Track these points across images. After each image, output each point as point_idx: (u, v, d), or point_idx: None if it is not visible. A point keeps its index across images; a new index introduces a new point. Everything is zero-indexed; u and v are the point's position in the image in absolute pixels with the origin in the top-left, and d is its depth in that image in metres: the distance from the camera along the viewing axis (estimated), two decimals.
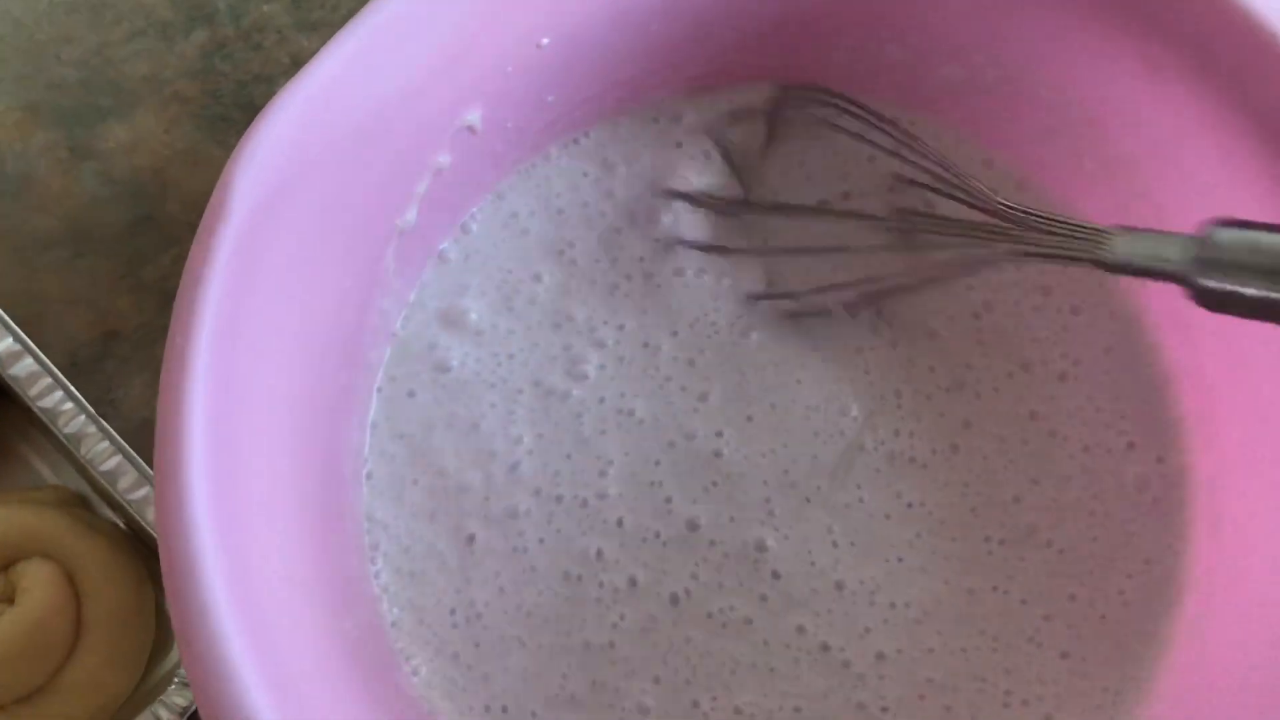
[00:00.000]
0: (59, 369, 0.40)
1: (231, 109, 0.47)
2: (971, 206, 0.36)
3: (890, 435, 0.38)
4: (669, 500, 0.37)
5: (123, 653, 0.39)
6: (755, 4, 0.39)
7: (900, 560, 0.37)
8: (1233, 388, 0.37)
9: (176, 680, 0.38)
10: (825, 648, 0.36)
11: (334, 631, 0.33)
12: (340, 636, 0.34)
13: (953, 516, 0.37)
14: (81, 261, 0.45)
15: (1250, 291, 0.30)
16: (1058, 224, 0.34)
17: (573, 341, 0.39)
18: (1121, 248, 0.32)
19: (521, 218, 0.40)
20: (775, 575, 0.37)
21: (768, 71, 0.42)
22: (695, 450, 0.38)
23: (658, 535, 0.37)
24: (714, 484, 0.37)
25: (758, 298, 0.39)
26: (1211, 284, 0.30)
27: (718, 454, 0.38)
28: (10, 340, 0.40)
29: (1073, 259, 0.33)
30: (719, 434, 0.38)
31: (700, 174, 0.40)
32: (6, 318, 0.40)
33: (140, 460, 0.39)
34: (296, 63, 0.47)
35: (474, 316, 0.39)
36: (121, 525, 0.42)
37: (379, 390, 0.38)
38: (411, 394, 0.38)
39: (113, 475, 0.39)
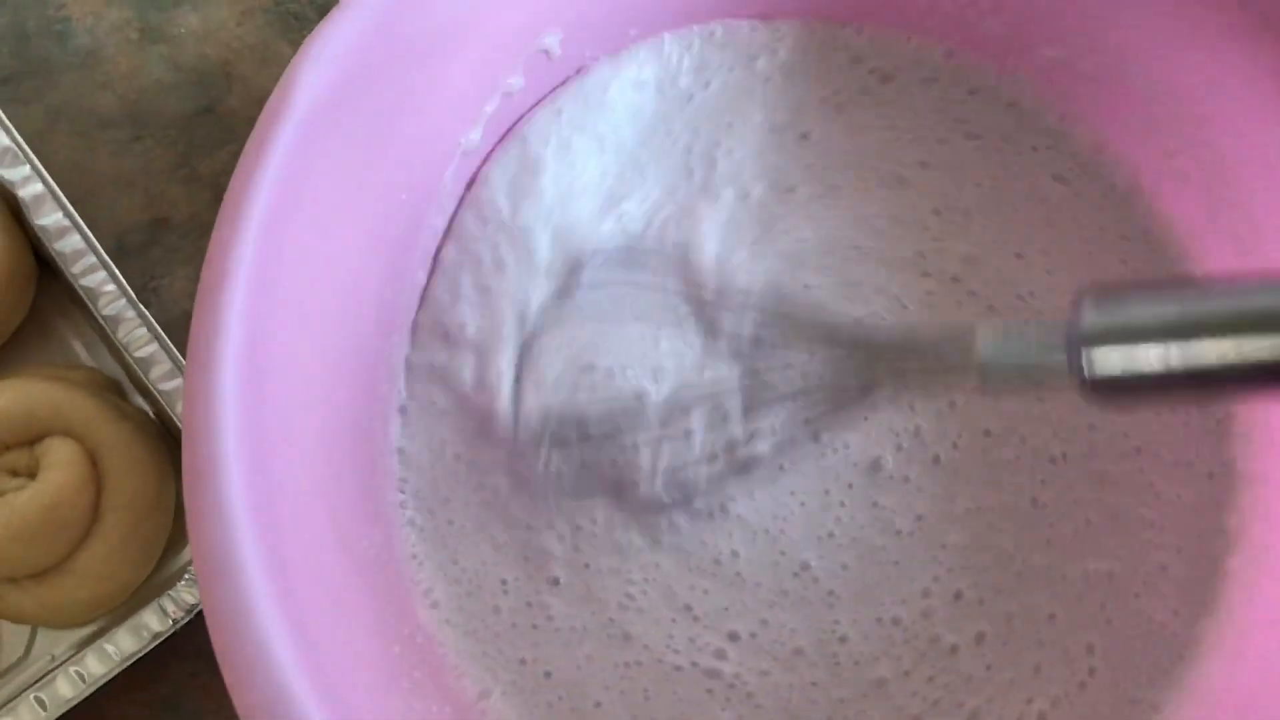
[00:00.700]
0: (105, 250, 0.40)
1: (306, 7, 0.46)
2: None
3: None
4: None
5: (138, 542, 0.39)
6: None
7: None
8: None
9: (187, 577, 0.38)
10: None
11: (349, 547, 0.33)
12: (354, 554, 0.33)
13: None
14: (138, 145, 0.45)
15: (1150, 359, 0.26)
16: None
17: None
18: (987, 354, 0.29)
19: (580, 145, 0.39)
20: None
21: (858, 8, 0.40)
22: None
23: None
24: None
25: None
26: (1102, 368, 0.27)
27: None
28: (60, 215, 0.39)
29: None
30: None
31: None
32: (59, 192, 0.39)
33: (176, 351, 0.39)
34: None
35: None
36: (151, 415, 0.41)
37: (421, 310, 0.37)
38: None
39: (146, 363, 0.38)
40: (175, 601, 0.37)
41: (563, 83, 0.39)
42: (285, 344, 0.31)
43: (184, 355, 0.39)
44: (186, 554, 0.41)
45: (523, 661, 0.35)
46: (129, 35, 0.45)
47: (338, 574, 0.32)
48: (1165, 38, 0.36)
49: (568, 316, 0.37)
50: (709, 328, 0.37)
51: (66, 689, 0.36)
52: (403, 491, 0.36)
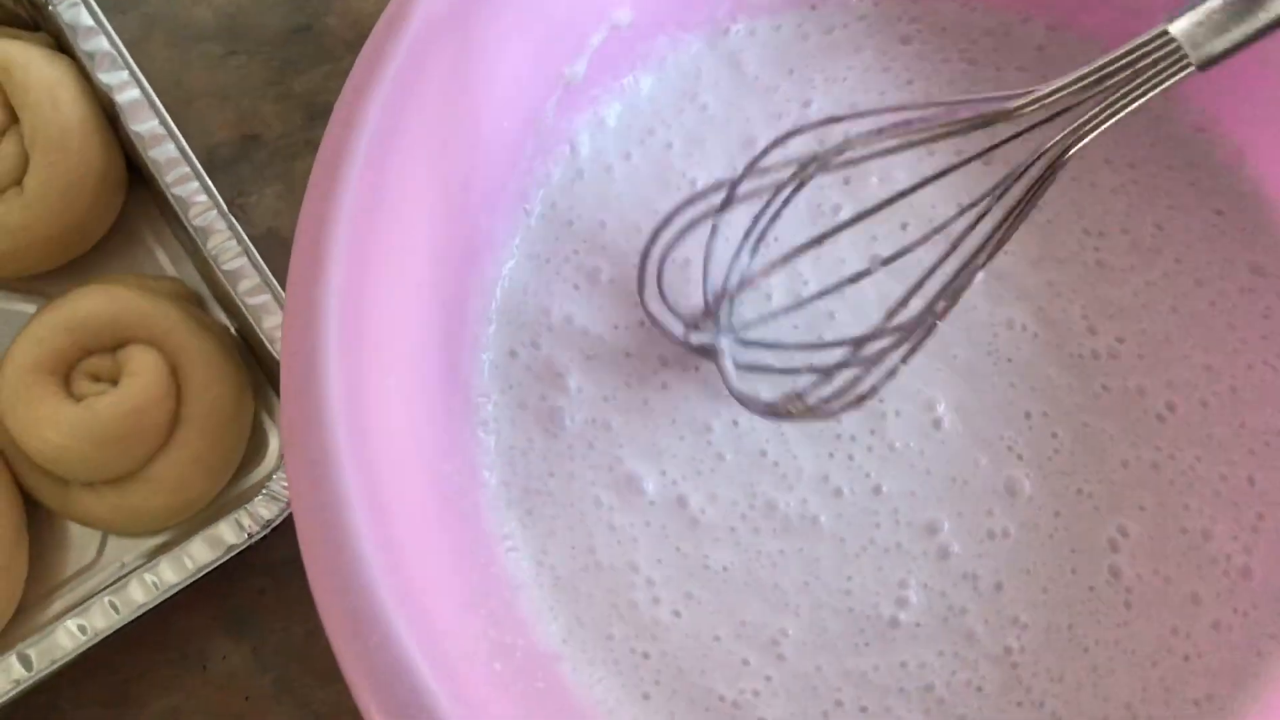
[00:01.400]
0: None
1: None
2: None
3: None
4: None
5: (214, 455, 0.38)
6: None
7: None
8: None
9: (264, 493, 0.38)
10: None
11: (433, 470, 0.33)
12: (437, 478, 0.33)
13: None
14: (233, 60, 0.44)
15: None
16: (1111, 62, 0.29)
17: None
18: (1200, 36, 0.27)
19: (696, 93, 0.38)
20: None
21: None
22: None
23: None
24: None
25: None
26: None
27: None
28: (155, 123, 0.39)
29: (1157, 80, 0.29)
30: None
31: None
32: (156, 100, 0.39)
33: (264, 266, 0.38)
34: None
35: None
36: (233, 330, 0.41)
37: (516, 247, 0.37)
38: (547, 260, 0.37)
39: (235, 276, 0.38)
40: (252, 516, 0.37)
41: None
42: (386, 265, 0.30)
43: (272, 272, 0.39)
44: (260, 471, 0.41)
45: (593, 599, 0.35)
46: None
47: (422, 496, 0.31)
48: None
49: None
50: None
51: (139, 594, 0.36)
52: (484, 427, 0.36)
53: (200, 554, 0.37)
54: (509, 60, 0.33)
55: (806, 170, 0.32)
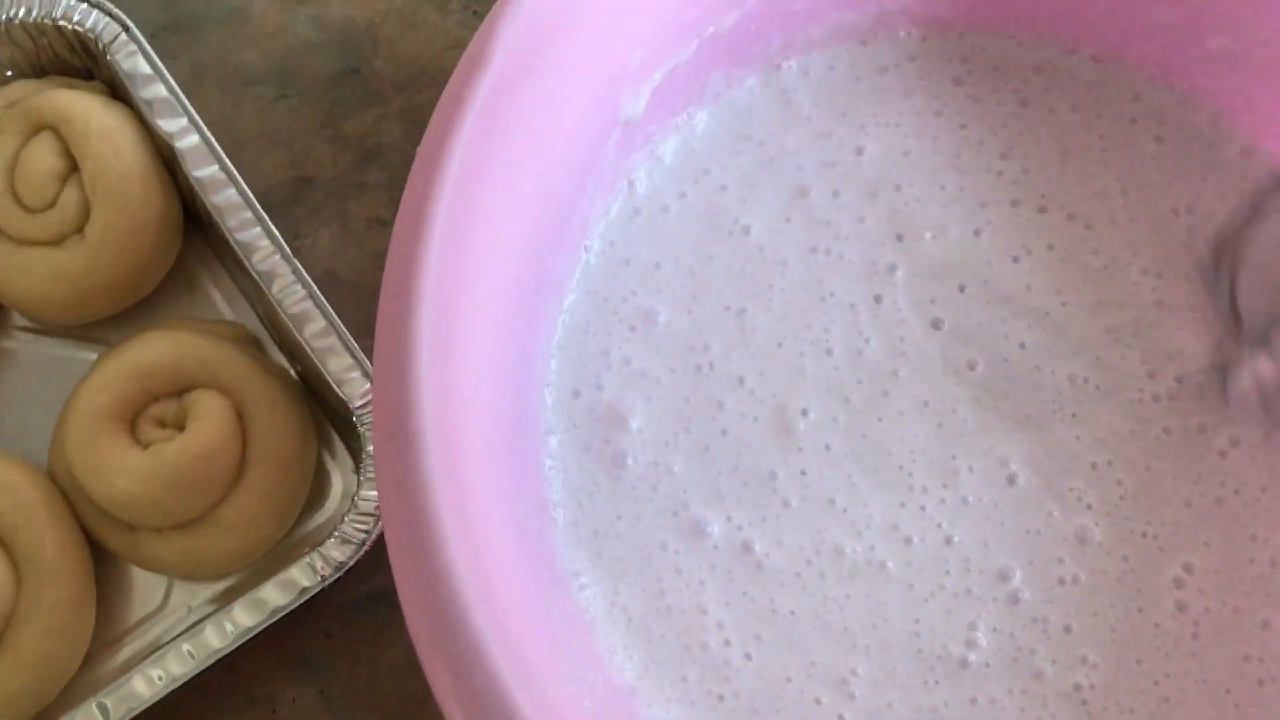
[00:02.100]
0: None
1: None
2: None
3: None
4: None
5: (281, 497, 0.39)
6: None
7: None
8: None
9: (336, 534, 0.38)
10: None
11: (512, 512, 0.33)
12: (516, 518, 0.33)
13: None
14: (284, 103, 0.45)
15: None
16: None
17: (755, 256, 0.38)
18: None
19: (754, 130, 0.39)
20: None
21: (1011, 16, 0.39)
22: None
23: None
24: None
25: None
26: None
27: None
28: (216, 168, 0.39)
29: None
30: None
31: None
32: (216, 145, 0.39)
33: (329, 308, 0.39)
34: None
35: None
36: (293, 373, 0.41)
37: (577, 283, 0.37)
38: (605, 300, 0.37)
39: (300, 319, 0.38)
40: (324, 558, 0.37)
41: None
42: (470, 302, 0.30)
43: (336, 313, 0.39)
44: (325, 512, 0.41)
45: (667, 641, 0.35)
46: None
47: (505, 539, 0.32)
48: None
49: None
50: None
51: (215, 639, 0.36)
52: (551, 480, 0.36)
53: (274, 597, 0.37)
54: (577, 101, 0.34)
55: None
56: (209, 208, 0.39)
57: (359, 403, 0.38)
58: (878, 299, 0.37)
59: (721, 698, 0.34)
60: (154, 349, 0.38)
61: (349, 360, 0.38)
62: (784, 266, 0.37)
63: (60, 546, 0.37)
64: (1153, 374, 0.36)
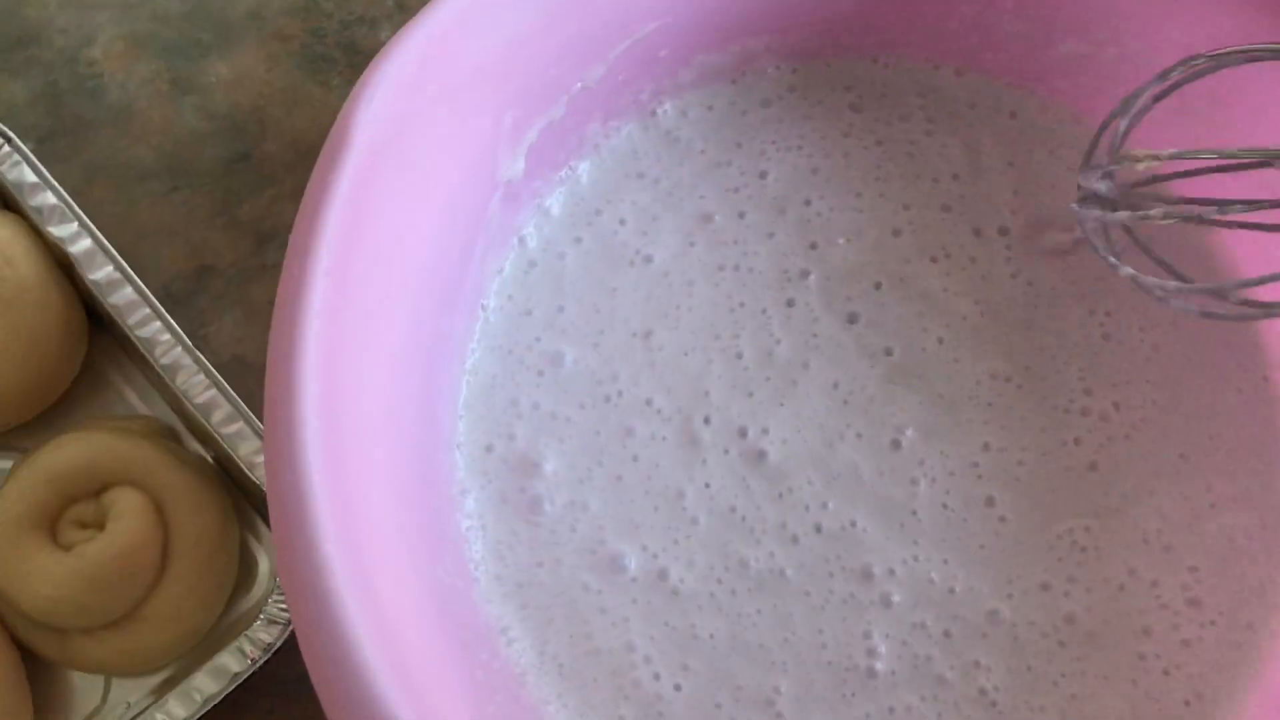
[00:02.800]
0: None
1: (333, 49, 0.47)
2: None
3: None
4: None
5: (207, 585, 0.39)
6: None
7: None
8: None
9: (262, 617, 0.38)
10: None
11: (428, 579, 0.33)
12: (429, 579, 0.34)
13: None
14: (178, 195, 0.45)
15: None
16: None
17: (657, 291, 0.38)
18: None
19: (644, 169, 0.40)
20: None
21: (870, 42, 0.41)
22: None
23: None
24: None
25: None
26: None
27: None
28: (111, 268, 0.40)
29: None
30: None
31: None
32: (110, 246, 0.40)
33: (234, 394, 0.39)
34: (401, 6, 0.47)
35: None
36: (209, 460, 0.42)
37: (477, 342, 0.38)
38: (509, 351, 0.38)
39: (206, 408, 0.39)
40: (253, 642, 0.38)
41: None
42: (355, 379, 0.31)
43: (242, 399, 0.39)
44: (254, 595, 0.41)
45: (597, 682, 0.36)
46: (160, 87, 0.46)
47: (420, 604, 0.32)
48: (1182, 31, 0.37)
49: None
50: None
51: None
52: (469, 535, 0.37)
53: (207, 686, 0.37)
54: (450, 169, 0.35)
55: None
56: (108, 308, 0.39)
57: None
58: (790, 303, 0.38)
59: None
60: (67, 453, 0.39)
61: (258, 443, 0.39)
62: (690, 287, 0.38)
63: None
64: (1089, 391, 0.37)
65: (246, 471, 0.39)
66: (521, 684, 0.35)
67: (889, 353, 0.37)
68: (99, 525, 0.38)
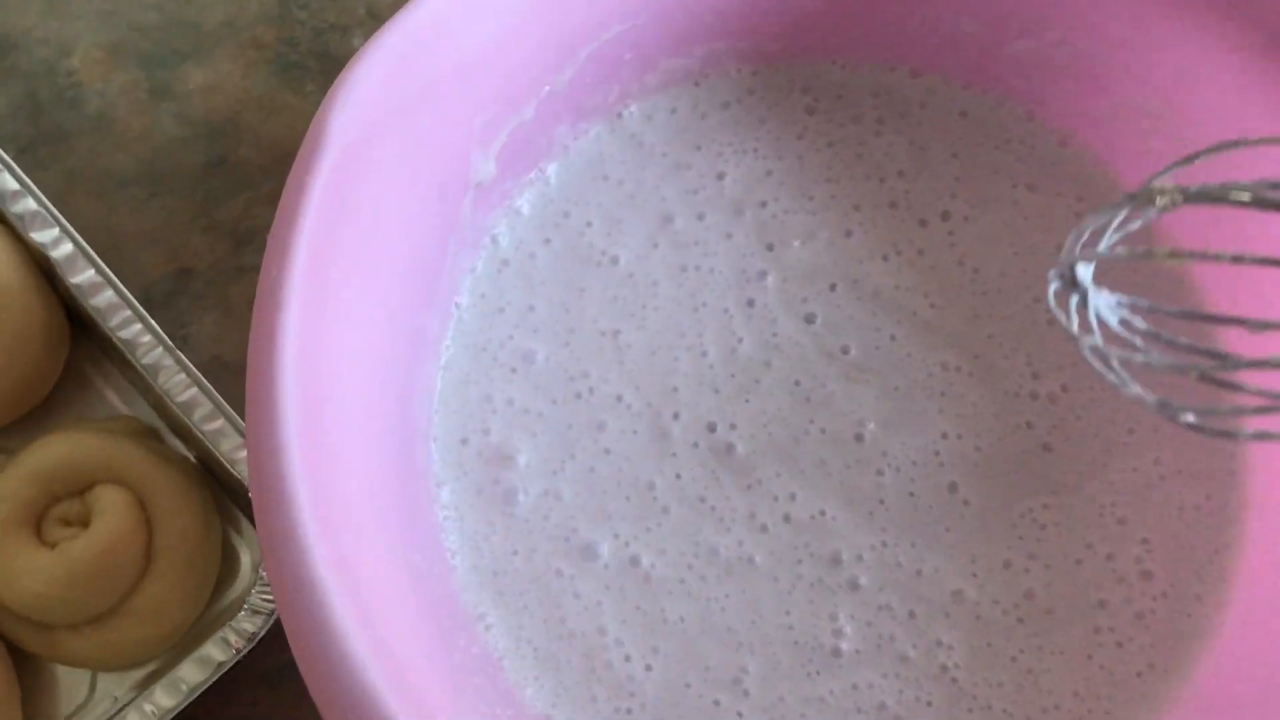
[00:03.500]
0: None
1: (307, 57, 0.48)
2: None
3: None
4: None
5: (190, 580, 0.40)
6: None
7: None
8: None
9: (246, 607, 0.39)
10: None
11: (407, 568, 0.34)
12: (409, 565, 0.35)
13: None
14: (157, 200, 0.46)
15: None
16: None
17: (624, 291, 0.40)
18: None
19: (609, 171, 0.41)
20: None
21: (831, 45, 0.42)
22: None
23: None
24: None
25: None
26: None
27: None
28: (92, 272, 0.41)
29: None
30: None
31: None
32: (90, 250, 0.41)
33: (215, 393, 0.40)
34: (373, 14, 0.48)
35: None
36: (191, 458, 0.43)
37: (451, 339, 0.39)
38: (483, 349, 0.39)
39: (188, 407, 0.40)
40: (237, 632, 0.39)
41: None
42: (334, 376, 0.32)
43: (223, 397, 0.40)
44: (237, 588, 0.42)
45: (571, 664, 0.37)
46: (138, 96, 0.47)
47: (400, 592, 0.33)
48: (1133, 31, 0.38)
49: None
50: None
51: None
52: (445, 532, 0.38)
53: (192, 676, 0.38)
54: (423, 171, 0.36)
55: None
56: (89, 311, 0.40)
57: None
58: (750, 303, 0.39)
59: (630, 711, 0.36)
60: (52, 453, 0.40)
61: (239, 440, 0.40)
62: (655, 287, 0.39)
63: None
64: (1037, 375, 0.38)
65: (228, 468, 0.39)
66: (499, 668, 0.36)
67: (845, 351, 0.39)
68: (83, 523, 0.39)
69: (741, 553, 0.37)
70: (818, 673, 0.36)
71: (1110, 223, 0.32)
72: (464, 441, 0.38)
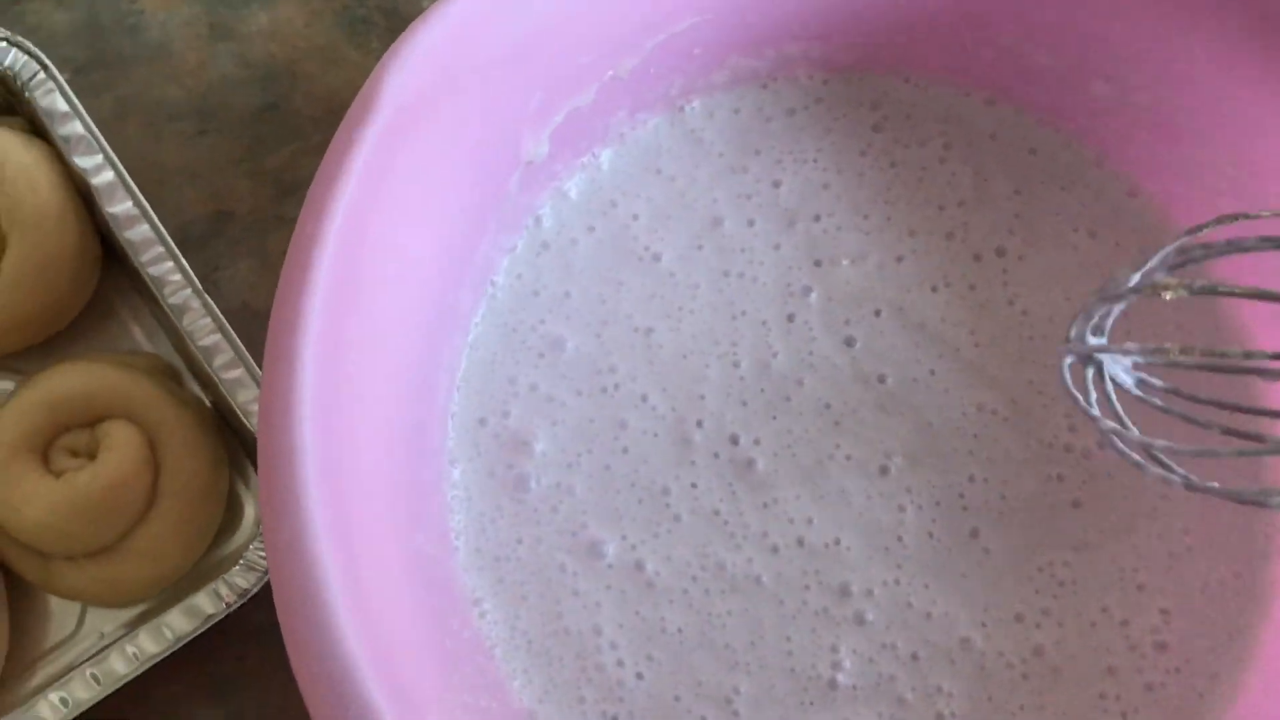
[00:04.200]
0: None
1: (374, 12, 0.47)
2: None
3: None
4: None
5: (191, 526, 0.39)
6: None
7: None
8: None
9: (241, 562, 0.38)
10: None
11: (408, 543, 0.34)
12: (409, 549, 0.34)
13: None
14: (204, 139, 0.46)
15: None
16: None
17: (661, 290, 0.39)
18: None
19: (663, 166, 0.40)
20: None
21: (905, 61, 0.41)
22: None
23: None
24: None
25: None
26: None
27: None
28: (130, 204, 0.40)
29: None
30: None
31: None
32: (130, 181, 0.40)
33: (239, 341, 0.40)
34: None
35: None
36: (208, 403, 0.42)
37: (482, 317, 0.38)
38: (513, 330, 0.38)
39: (210, 352, 0.39)
40: (229, 586, 0.38)
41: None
42: (358, 342, 0.31)
43: (246, 346, 0.40)
44: (235, 541, 0.42)
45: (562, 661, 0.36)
46: (199, 31, 0.47)
47: (396, 566, 0.33)
48: (1218, 81, 0.37)
49: None
50: None
51: (120, 665, 0.37)
52: (453, 511, 0.37)
53: (179, 624, 0.38)
54: (473, 144, 0.35)
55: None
56: (122, 243, 0.40)
57: None
58: (790, 318, 0.38)
59: (615, 717, 0.35)
60: (67, 380, 0.39)
61: (257, 391, 0.39)
62: (695, 289, 0.39)
63: None
64: (1073, 428, 0.37)
65: (243, 418, 0.39)
66: (490, 656, 0.36)
67: (882, 379, 0.38)
68: (91, 455, 0.39)
69: (749, 571, 0.36)
70: (811, 703, 0.35)
71: (1114, 309, 0.31)
72: (482, 422, 0.38)
